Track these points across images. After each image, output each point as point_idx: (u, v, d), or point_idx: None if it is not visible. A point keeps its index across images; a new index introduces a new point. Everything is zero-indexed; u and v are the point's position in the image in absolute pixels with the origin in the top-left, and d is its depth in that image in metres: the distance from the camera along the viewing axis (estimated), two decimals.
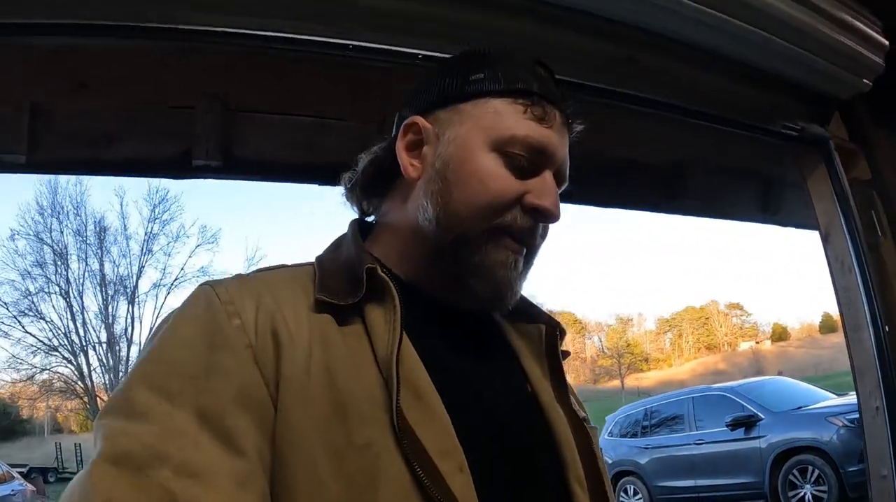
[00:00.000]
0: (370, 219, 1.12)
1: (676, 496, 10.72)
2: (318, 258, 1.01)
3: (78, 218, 32.19)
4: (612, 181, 2.31)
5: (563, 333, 1.10)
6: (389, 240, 1.04)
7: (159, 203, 33.09)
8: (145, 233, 33.04)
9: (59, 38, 1.64)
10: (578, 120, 1.05)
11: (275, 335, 0.85)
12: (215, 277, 0.97)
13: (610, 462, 11.96)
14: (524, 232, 0.97)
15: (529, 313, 1.11)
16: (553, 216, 0.99)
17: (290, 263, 1.04)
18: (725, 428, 9.92)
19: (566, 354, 1.12)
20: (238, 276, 0.95)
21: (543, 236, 1.02)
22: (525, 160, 0.97)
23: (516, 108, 0.98)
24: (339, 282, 0.93)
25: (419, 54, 1.68)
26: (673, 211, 2.53)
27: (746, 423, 9.67)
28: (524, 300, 1.09)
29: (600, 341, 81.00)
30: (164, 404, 0.79)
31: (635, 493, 11.53)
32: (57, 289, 31.63)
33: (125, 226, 36.76)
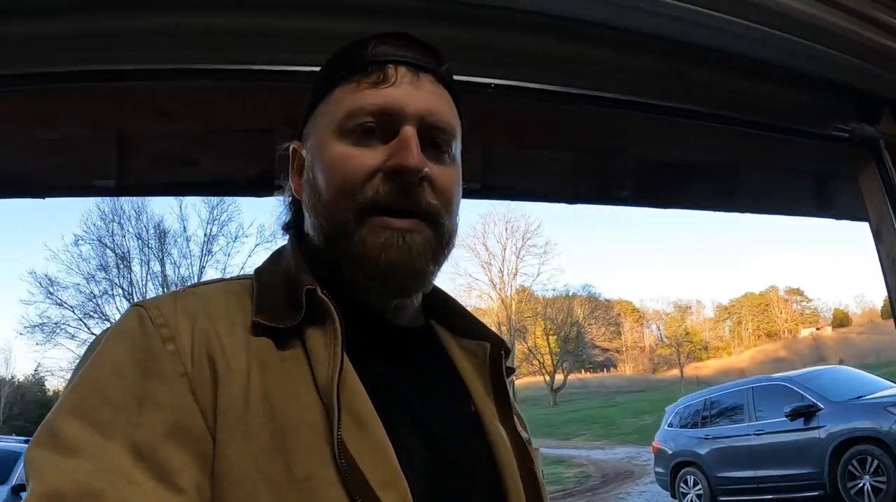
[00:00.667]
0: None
1: (736, 486, 10.68)
2: (256, 271, 0.97)
3: (139, 222, 32.78)
4: (670, 184, 2.39)
5: (507, 352, 1.05)
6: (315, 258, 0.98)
7: (217, 205, 33.56)
8: (204, 235, 33.32)
9: (148, 82, 1.74)
10: (435, 56, 0.99)
11: (211, 362, 0.81)
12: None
13: (670, 452, 11.94)
14: (393, 199, 0.90)
15: (473, 330, 1.07)
16: (411, 168, 0.89)
17: (227, 277, 1.00)
18: (784, 419, 9.81)
19: (511, 371, 1.08)
20: (172, 294, 0.90)
21: (438, 195, 0.94)
22: (375, 126, 0.92)
23: (349, 87, 0.95)
24: (278, 302, 0.89)
25: (491, 84, 1.78)
26: (730, 209, 2.57)
27: (805, 413, 9.58)
28: (466, 315, 1.08)
29: (659, 330, 79.61)
30: (95, 436, 0.74)
31: (695, 484, 11.48)
32: (120, 291, 32.10)
33: (185, 228, 37.38)
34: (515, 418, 1.04)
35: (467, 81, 1.78)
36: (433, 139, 0.95)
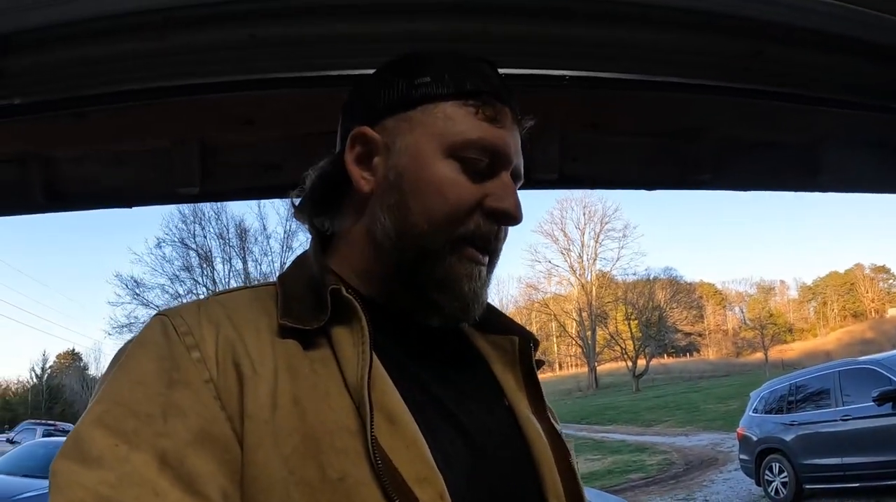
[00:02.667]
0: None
1: (822, 474, 10.40)
2: (279, 276, 0.98)
3: (219, 222, 33.62)
4: (751, 165, 2.35)
5: (536, 344, 1.07)
6: (349, 257, 1.00)
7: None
8: (284, 232, 33.97)
9: (227, 94, 1.79)
10: (528, 116, 1.02)
11: (237, 367, 0.82)
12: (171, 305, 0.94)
13: (755, 439, 11.71)
14: (486, 238, 0.95)
15: (499, 324, 1.08)
16: (514, 218, 0.96)
17: (252, 284, 1.01)
18: (872, 403, 9.44)
19: (541, 363, 1.09)
20: (196, 302, 0.91)
21: (504, 239, 1.00)
22: (482, 163, 0.94)
23: (467, 110, 0.95)
24: (303, 304, 0.89)
25: (566, 76, 1.79)
26: (813, 189, 2.51)
27: (894, 398, 9.20)
28: (493, 310, 1.08)
29: (742, 312, 77.91)
30: (120, 446, 0.75)
31: (780, 471, 11.23)
32: (204, 289, 32.99)
33: (264, 226, 38.16)
34: (548, 410, 1.05)
35: (542, 75, 1.79)
36: None
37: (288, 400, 0.80)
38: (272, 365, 0.83)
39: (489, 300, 1.05)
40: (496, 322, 1.08)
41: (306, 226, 1.06)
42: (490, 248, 0.97)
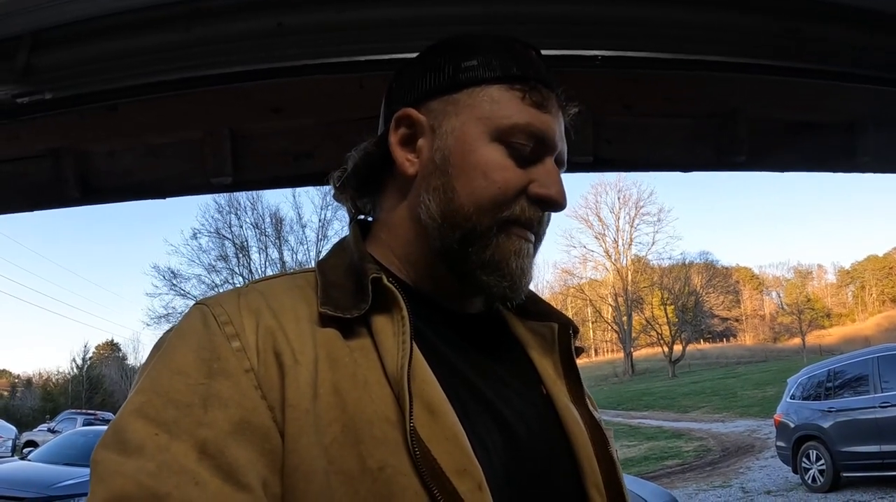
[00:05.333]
0: (369, 218, 1.08)
1: (860, 462, 10.25)
2: (319, 263, 0.97)
3: (255, 212, 33.95)
4: (787, 146, 2.30)
5: (576, 331, 1.07)
6: (390, 241, 1.00)
7: (329, 191, 34.13)
8: (319, 220, 34.32)
9: (257, 81, 1.81)
10: (573, 103, 1.02)
11: (277, 356, 0.81)
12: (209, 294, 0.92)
13: (792, 426, 11.59)
14: (530, 222, 0.96)
15: (539, 311, 1.08)
16: (559, 204, 0.96)
17: (290, 271, 0.99)
18: None
19: (580, 351, 1.08)
20: (235, 291, 0.91)
21: (547, 224, 1.01)
22: (528, 149, 0.94)
23: (513, 94, 0.95)
24: (344, 292, 0.89)
25: (598, 56, 1.77)
26: (852, 170, 2.47)
27: None
28: (533, 296, 1.07)
29: (779, 297, 77.09)
30: (160, 436, 0.75)
31: (818, 459, 11.09)
32: (240, 279, 33.39)
33: (299, 215, 38.54)
34: (587, 398, 1.04)
35: (574, 55, 1.77)
36: None
37: (328, 390, 0.80)
38: (312, 353, 0.82)
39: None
40: (536, 308, 1.08)
41: (347, 206, 1.07)
42: (535, 230, 0.97)
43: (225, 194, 31.56)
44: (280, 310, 0.86)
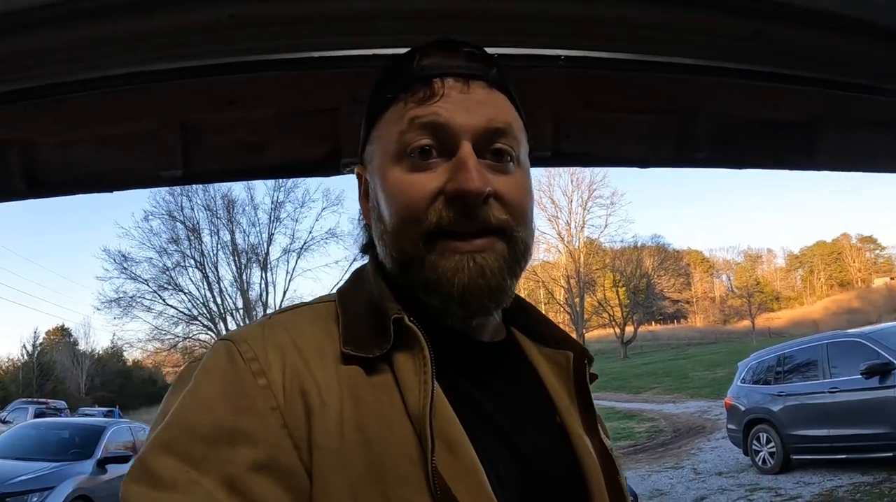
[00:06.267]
0: None
1: (810, 445, 10.51)
2: (339, 294, 0.97)
3: (207, 194, 33.63)
4: (747, 144, 2.32)
5: (590, 360, 1.05)
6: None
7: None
8: (271, 202, 34.27)
9: (208, 77, 1.77)
10: (483, 60, 0.96)
11: (304, 396, 0.81)
12: (236, 335, 0.89)
13: (743, 409, 11.83)
14: (459, 223, 0.88)
15: (555, 338, 1.06)
16: (472, 192, 0.87)
17: (310, 301, 1.00)
18: (860, 376, 9.51)
19: (594, 377, 1.08)
20: (259, 325, 0.90)
21: (511, 214, 0.92)
22: (432, 145, 0.90)
23: (398, 107, 0.92)
24: (365, 330, 0.88)
25: (561, 56, 1.75)
26: (809, 167, 2.49)
27: (882, 371, 9.30)
28: (548, 323, 1.07)
29: (729, 280, 78.62)
30: (190, 472, 0.76)
31: (768, 441, 11.36)
32: (192, 262, 33.32)
33: (251, 197, 38.12)
34: (600, 425, 1.04)
35: (537, 54, 1.75)
36: (494, 147, 0.92)
37: (353, 429, 0.81)
38: (338, 393, 0.83)
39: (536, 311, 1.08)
40: (552, 335, 1.07)
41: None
42: (474, 231, 0.89)
43: None
44: (305, 347, 0.86)
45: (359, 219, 1.06)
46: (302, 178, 31.18)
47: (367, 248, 1.05)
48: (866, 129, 2.54)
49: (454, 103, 0.90)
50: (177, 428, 0.79)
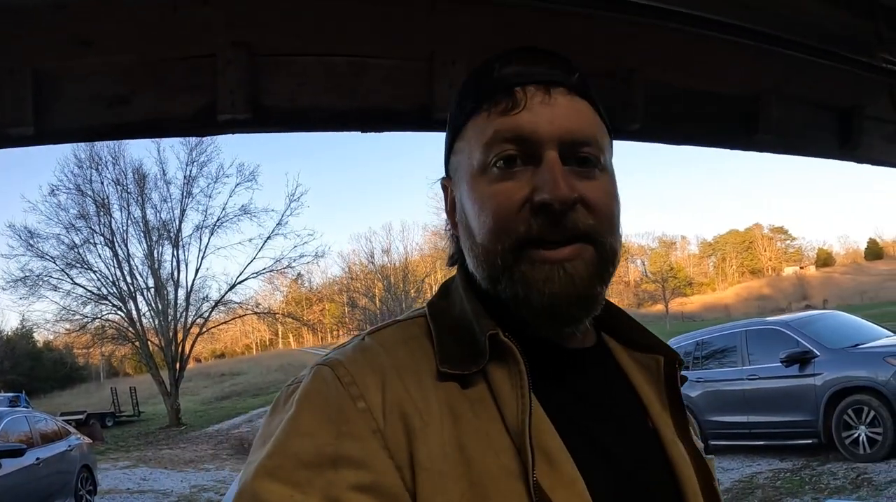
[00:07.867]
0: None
1: (728, 431, 10.67)
2: (430, 309, 0.97)
3: (117, 167, 32.51)
4: (685, 116, 2.15)
5: (681, 364, 1.04)
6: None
7: (196, 146, 33.18)
8: (184, 177, 33.19)
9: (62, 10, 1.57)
10: (563, 66, 0.93)
11: (405, 418, 0.82)
12: (330, 357, 0.91)
13: None
14: (547, 232, 0.88)
15: (645, 342, 1.04)
16: (560, 200, 0.86)
17: (402, 317, 1.00)
18: (779, 364, 9.72)
19: (684, 380, 1.07)
20: (355, 349, 0.91)
21: (599, 220, 0.90)
22: (517, 154, 0.90)
23: (481, 118, 0.92)
24: (461, 347, 0.89)
25: None
26: (749, 147, 2.36)
27: (801, 359, 9.53)
28: (638, 327, 1.05)
29: (643, 265, 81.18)
30: (295, 495, 0.77)
31: None
32: (101, 239, 32.15)
33: (164, 171, 36.40)
34: (692, 429, 1.03)
35: None
36: (578, 155, 0.90)
37: (454, 447, 0.82)
38: (437, 412, 0.84)
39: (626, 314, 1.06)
40: (641, 339, 1.05)
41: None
42: (563, 239, 0.88)
43: (83, 145, 29.99)
44: (401, 368, 0.87)
45: (446, 230, 1.06)
46: (213, 140, 30.41)
47: (455, 260, 1.05)
48: (811, 110, 2.44)
49: (537, 113, 0.90)
50: (280, 456, 0.80)
